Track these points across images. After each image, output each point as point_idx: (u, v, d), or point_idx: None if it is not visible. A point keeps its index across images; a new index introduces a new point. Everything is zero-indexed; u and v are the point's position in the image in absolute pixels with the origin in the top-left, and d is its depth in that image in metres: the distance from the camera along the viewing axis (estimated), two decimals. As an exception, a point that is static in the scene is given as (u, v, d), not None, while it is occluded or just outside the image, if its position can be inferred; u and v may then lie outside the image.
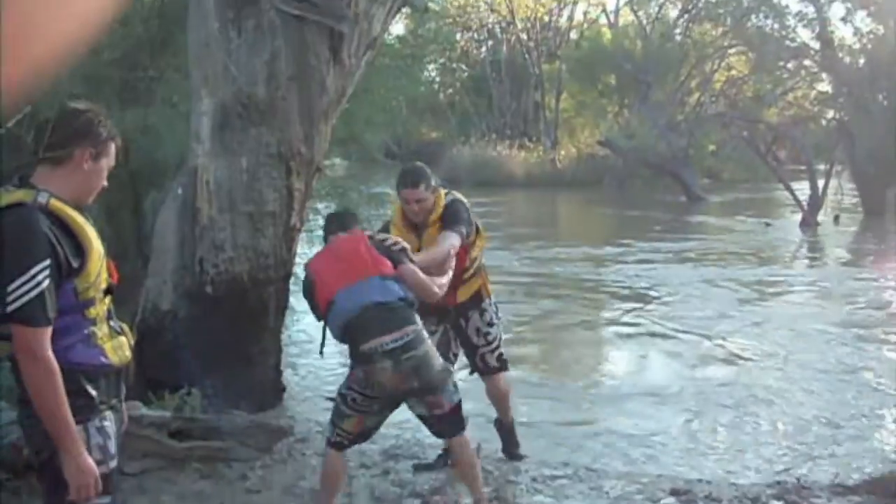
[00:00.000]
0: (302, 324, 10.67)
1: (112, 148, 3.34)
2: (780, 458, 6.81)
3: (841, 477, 6.15)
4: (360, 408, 4.97)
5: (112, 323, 3.34)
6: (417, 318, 4.94)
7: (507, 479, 6.05)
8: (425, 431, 7.03)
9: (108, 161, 3.33)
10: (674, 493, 5.42)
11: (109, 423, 3.31)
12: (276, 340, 7.66)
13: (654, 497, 5.37)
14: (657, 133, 33.92)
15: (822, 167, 26.76)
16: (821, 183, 24.89)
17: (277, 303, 7.51)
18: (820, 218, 24.03)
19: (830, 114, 30.77)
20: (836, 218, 24.73)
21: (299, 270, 9.14)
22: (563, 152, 40.53)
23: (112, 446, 3.30)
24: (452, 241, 5.45)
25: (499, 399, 6.37)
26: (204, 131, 7.02)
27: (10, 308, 3.01)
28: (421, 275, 5.09)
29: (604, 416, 7.69)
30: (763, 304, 13.78)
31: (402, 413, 7.77)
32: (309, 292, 5.12)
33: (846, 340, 10.96)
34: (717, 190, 34.22)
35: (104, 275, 3.26)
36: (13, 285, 3.00)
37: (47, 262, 3.05)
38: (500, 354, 6.21)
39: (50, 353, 3.06)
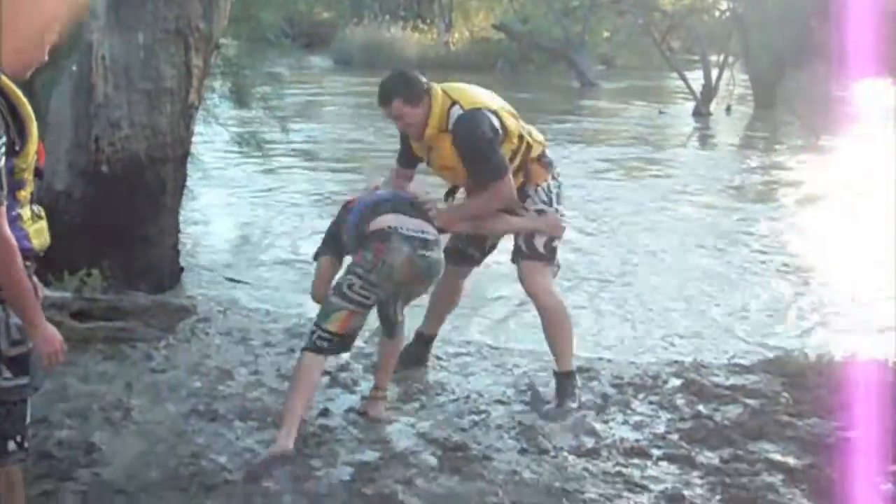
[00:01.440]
0: (199, 203, 10.56)
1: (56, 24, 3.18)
2: (678, 342, 6.94)
3: (737, 358, 6.33)
4: (355, 297, 4.66)
5: (34, 207, 3.23)
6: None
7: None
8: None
9: (50, 36, 3.17)
10: (576, 370, 5.48)
11: None
12: (174, 220, 7.54)
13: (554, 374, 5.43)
14: (552, 18, 33.81)
15: (715, 58, 26.97)
16: (714, 73, 25.13)
17: (175, 182, 7.37)
18: (712, 108, 24.31)
19: (725, 4, 30.95)
20: (728, 108, 25.04)
21: (197, 149, 9.06)
22: (457, 35, 40.15)
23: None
24: (482, 200, 5.15)
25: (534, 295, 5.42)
26: (99, 6, 6.77)
27: None
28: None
29: (508, 294, 7.69)
30: (654, 182, 14.00)
31: (301, 295, 7.84)
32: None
33: (739, 222, 11.24)
34: (610, 77, 34.34)
35: (35, 156, 3.14)
36: None
37: (3, 139, 2.92)
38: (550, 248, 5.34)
39: (9, 231, 2.96)
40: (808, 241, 10.35)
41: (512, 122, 5.19)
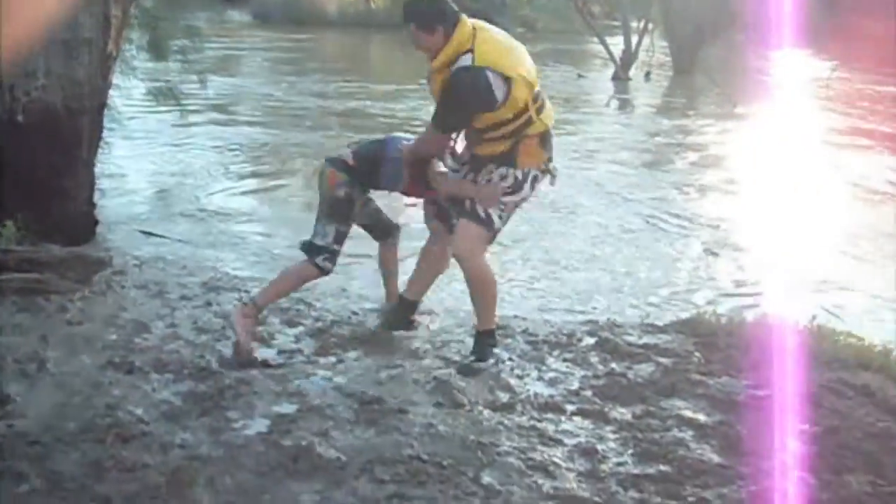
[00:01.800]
0: (113, 156, 10.42)
1: None
2: (593, 302, 7.04)
3: (651, 318, 6.44)
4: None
5: None
6: None
7: (332, 316, 6.09)
8: (244, 271, 7.16)
9: None
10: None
11: None
12: (89, 173, 7.47)
13: (472, 331, 5.48)
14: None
15: (635, 24, 27.15)
16: (634, 39, 25.34)
17: (91, 134, 7.30)
18: (631, 73, 24.52)
19: (646, -30, 31.11)
20: (648, 74, 25.23)
21: (113, 101, 8.95)
22: (378, -8, 39.94)
23: None
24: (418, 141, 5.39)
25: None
26: (16, -47, 6.64)
27: None
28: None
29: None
30: (568, 140, 14.09)
31: (219, 249, 7.82)
32: None
33: (652, 179, 11.42)
34: (531, 40, 34.22)
35: None
36: None
37: None
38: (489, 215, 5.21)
39: None
40: (720, 204, 10.54)
41: (522, 93, 5.00)
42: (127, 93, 11.53)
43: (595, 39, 27.13)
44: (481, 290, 5.29)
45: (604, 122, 17.11)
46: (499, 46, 5.06)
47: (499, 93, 4.91)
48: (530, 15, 39.11)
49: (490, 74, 4.88)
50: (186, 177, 10.57)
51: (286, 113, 15.35)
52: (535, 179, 5.24)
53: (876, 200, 11.44)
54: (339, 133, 13.70)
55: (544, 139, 5.23)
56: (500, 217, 5.20)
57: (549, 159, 5.27)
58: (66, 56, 6.84)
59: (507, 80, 4.92)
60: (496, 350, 5.35)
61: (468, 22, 5.02)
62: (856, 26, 31.27)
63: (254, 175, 11.18)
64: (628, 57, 24.73)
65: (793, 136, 15.01)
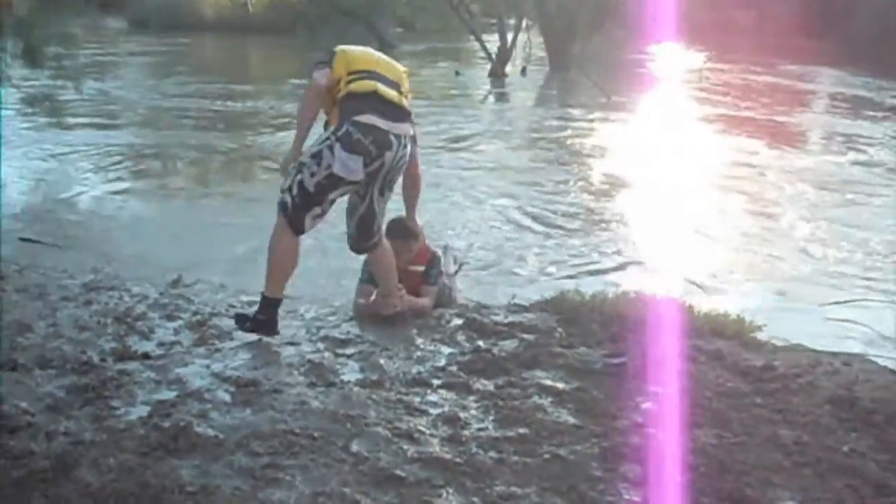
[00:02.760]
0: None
1: None
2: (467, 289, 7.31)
3: (517, 299, 6.71)
4: None
5: None
6: None
7: (210, 309, 6.24)
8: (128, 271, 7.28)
9: None
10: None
11: None
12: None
13: (347, 317, 5.69)
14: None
15: (512, 21, 27.57)
16: (510, 37, 25.75)
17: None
18: (508, 69, 24.92)
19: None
20: (524, 70, 25.69)
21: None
22: (255, -5, 39.83)
23: None
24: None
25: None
26: None
27: None
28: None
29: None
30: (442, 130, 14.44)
31: (97, 250, 7.90)
32: None
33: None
34: (409, 39, 34.67)
35: None
36: None
37: None
38: (290, 189, 5.49)
39: None
40: (592, 188, 10.92)
41: (340, 69, 5.53)
42: (2, 101, 11.49)
43: (473, 38, 27.48)
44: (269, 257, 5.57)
45: (480, 115, 17.44)
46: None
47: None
48: (408, 15, 39.30)
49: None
50: (66, 182, 10.59)
51: (162, 115, 15.38)
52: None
53: (729, 185, 11.97)
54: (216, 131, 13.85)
55: (346, 101, 5.53)
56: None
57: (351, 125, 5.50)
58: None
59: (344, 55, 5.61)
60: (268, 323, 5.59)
61: None
62: (732, 20, 32.26)
63: (132, 176, 11.24)
64: (504, 53, 25.15)
65: (662, 125, 15.54)
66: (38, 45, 10.86)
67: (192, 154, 12.81)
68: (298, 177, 5.40)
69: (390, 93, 5.49)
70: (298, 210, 5.41)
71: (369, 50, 5.87)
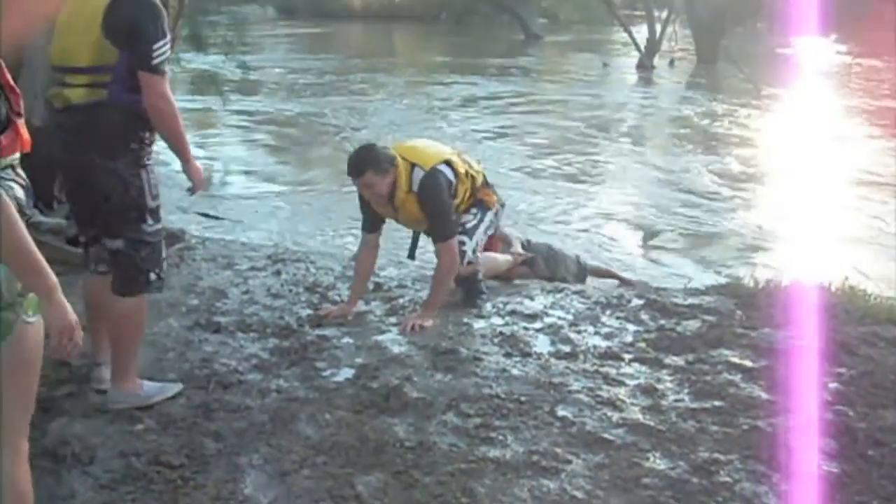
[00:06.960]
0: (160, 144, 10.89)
1: None
2: (640, 271, 7.46)
3: (694, 283, 6.85)
4: None
5: None
6: None
7: (396, 282, 6.49)
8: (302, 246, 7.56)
9: None
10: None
11: None
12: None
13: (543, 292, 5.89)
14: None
15: (658, 14, 27.43)
16: (658, 28, 25.63)
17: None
18: (655, 62, 24.82)
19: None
20: (671, 62, 25.57)
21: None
22: (401, -14, 40.22)
23: None
24: (444, 259, 5.66)
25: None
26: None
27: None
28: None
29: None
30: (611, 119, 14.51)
31: (273, 226, 8.18)
32: None
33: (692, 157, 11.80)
34: (553, 30, 34.71)
35: None
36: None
37: None
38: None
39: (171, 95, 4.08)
40: (760, 181, 10.95)
41: (460, 163, 5.81)
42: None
43: (617, 29, 27.42)
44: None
45: (632, 106, 17.52)
46: (425, 148, 5.94)
47: (451, 175, 5.71)
48: (553, 6, 39.37)
49: (439, 168, 5.67)
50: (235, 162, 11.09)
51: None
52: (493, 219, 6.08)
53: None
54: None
55: (487, 185, 6.06)
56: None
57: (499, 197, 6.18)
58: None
59: (447, 162, 5.74)
60: None
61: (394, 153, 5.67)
62: (878, 13, 31.44)
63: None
64: (652, 45, 25.04)
65: (819, 117, 15.39)
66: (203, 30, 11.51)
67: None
68: None
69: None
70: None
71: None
